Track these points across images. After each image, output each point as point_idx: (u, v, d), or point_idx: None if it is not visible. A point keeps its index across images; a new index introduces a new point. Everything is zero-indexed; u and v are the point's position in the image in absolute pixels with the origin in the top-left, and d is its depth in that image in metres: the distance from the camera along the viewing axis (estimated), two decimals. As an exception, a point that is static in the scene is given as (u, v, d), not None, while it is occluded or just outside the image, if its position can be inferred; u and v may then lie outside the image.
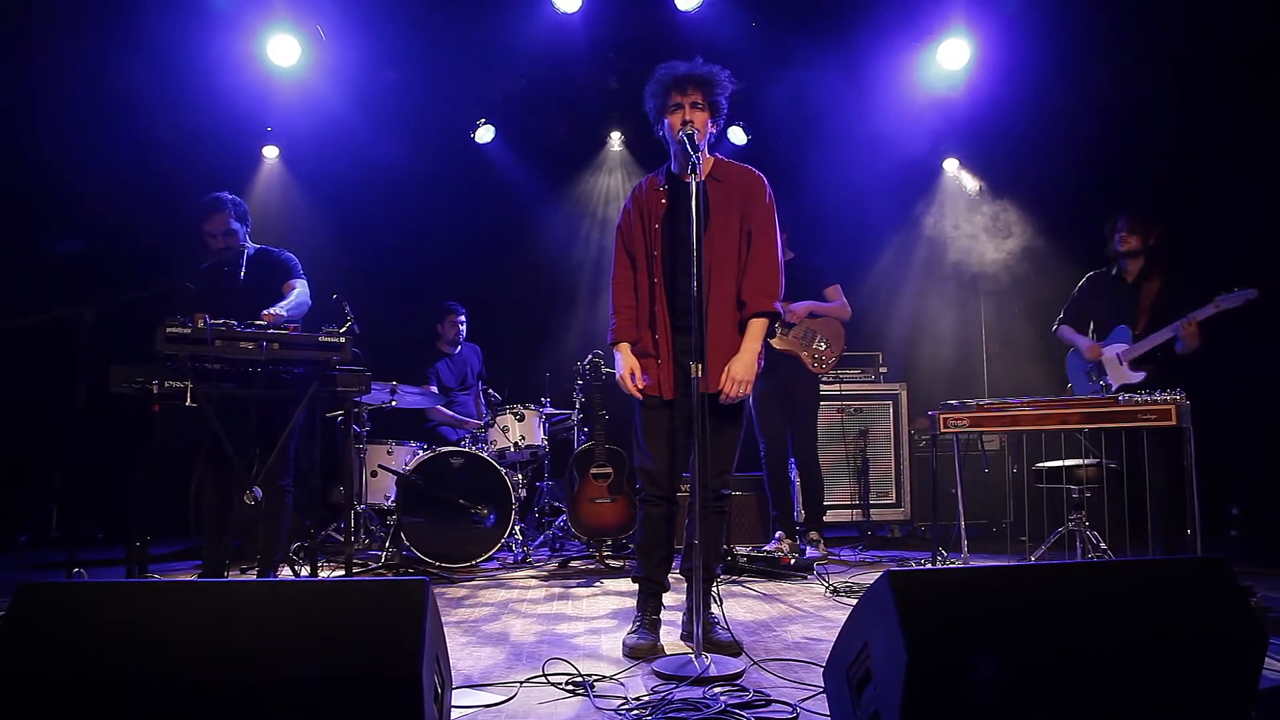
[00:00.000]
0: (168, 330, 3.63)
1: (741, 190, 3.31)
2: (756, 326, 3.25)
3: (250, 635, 1.81)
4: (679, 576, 3.42)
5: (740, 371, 3.18)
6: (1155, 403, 4.10)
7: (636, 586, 3.37)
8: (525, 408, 5.83)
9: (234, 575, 4.66)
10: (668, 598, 3.38)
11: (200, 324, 3.64)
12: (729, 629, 3.22)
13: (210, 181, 4.36)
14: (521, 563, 5.52)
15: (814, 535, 5.44)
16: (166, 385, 3.67)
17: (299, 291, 4.35)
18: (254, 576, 4.33)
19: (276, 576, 4.29)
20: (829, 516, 6.26)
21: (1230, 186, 5.87)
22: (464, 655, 3.15)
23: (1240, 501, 5.92)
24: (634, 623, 3.31)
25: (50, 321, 3.92)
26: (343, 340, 3.88)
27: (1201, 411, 4.07)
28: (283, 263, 4.44)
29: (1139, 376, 4.70)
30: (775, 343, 5.38)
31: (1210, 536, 4.00)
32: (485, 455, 5.43)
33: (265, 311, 4.07)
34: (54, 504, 6.73)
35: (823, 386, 5.77)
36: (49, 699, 1.74)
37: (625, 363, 3.29)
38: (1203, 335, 4.52)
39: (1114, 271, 4.93)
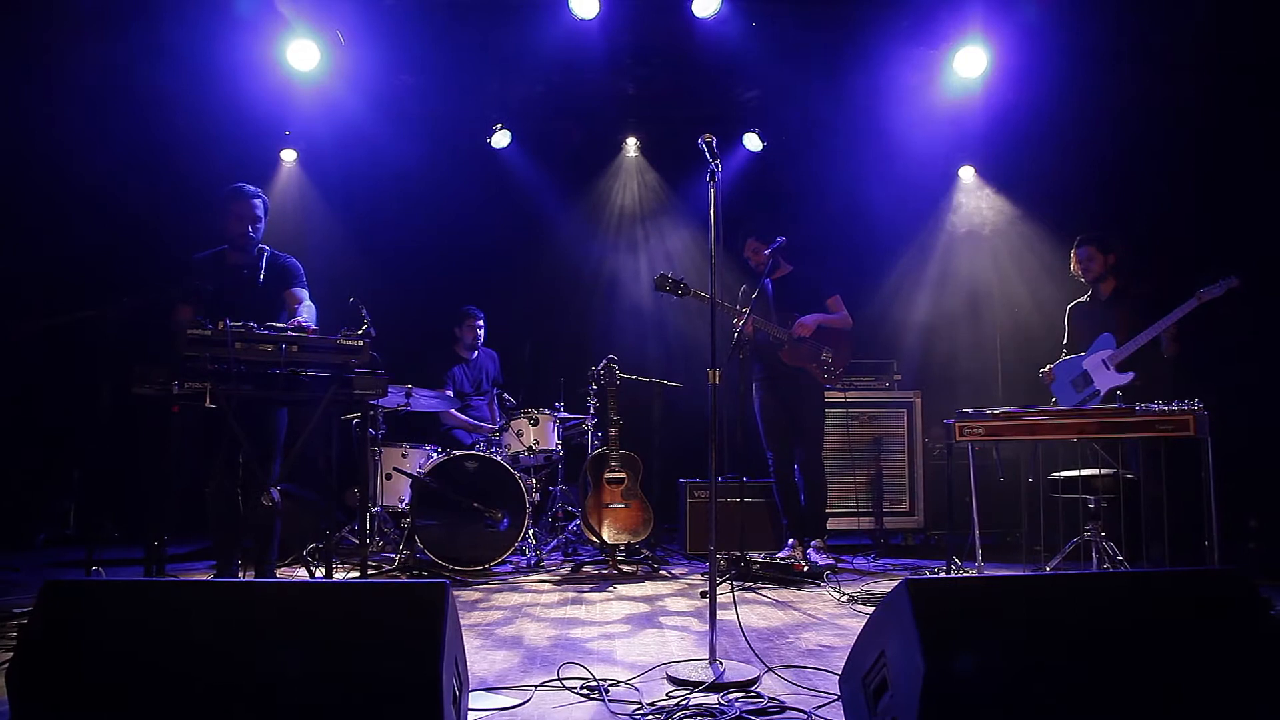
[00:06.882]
0: (188, 332, 3.65)
1: None
2: None
3: (272, 635, 1.83)
4: (682, 583, 3.39)
5: None
6: (1173, 413, 4.08)
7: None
8: (539, 412, 5.84)
9: (247, 576, 4.67)
10: (681, 605, 3.38)
11: (220, 326, 3.66)
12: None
13: (229, 183, 4.39)
14: (534, 567, 5.53)
15: (818, 543, 5.44)
16: (186, 386, 3.69)
17: (308, 304, 4.38)
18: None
19: (277, 577, 4.31)
20: (842, 524, 6.25)
21: (1252, 194, 5.83)
22: (478, 658, 3.16)
23: (1258, 512, 5.87)
24: None
25: (71, 322, 3.95)
26: (361, 344, 3.89)
27: (1218, 420, 4.05)
28: (290, 269, 4.45)
29: (1127, 378, 4.79)
30: (784, 357, 5.40)
31: (1227, 548, 3.97)
32: (499, 459, 5.45)
33: (295, 320, 4.08)
34: (71, 502, 6.77)
35: (833, 394, 5.77)
36: (78, 693, 1.76)
37: None
38: (1182, 337, 4.66)
39: (1089, 295, 5.20)
